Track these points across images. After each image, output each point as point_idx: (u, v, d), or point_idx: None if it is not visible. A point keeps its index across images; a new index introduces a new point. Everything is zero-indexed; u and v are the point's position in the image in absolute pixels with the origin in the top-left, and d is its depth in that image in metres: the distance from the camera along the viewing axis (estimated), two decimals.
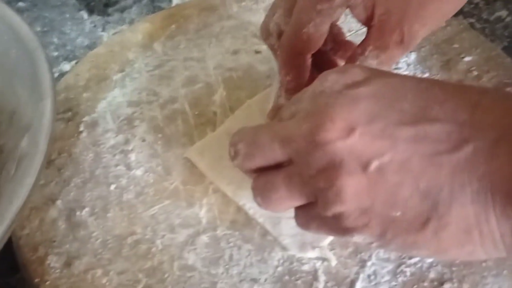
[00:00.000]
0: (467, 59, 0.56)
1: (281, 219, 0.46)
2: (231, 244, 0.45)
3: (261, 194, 0.36)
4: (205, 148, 0.51)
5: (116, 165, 0.51)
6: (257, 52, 0.58)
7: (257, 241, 0.45)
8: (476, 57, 0.56)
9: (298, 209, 0.37)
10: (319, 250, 0.44)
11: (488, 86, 0.53)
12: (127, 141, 0.52)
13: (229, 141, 0.38)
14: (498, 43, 0.62)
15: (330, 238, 0.45)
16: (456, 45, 0.57)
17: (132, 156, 0.51)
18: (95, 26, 0.69)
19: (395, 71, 0.55)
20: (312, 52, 0.43)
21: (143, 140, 0.52)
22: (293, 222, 0.45)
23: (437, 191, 0.30)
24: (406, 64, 0.56)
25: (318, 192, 0.33)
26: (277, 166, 0.35)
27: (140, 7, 0.70)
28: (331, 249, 0.44)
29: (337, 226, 0.33)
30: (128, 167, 0.50)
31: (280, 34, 0.45)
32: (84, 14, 0.70)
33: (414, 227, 0.31)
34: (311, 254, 0.44)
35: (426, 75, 0.55)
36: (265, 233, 0.46)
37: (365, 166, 0.30)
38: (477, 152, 0.29)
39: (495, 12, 0.65)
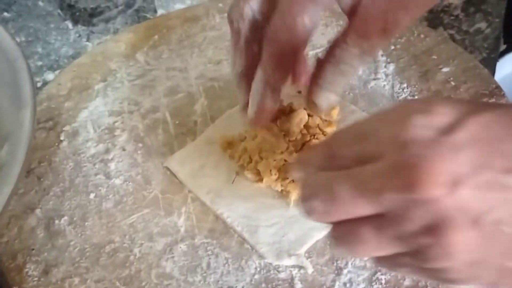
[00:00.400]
0: (445, 70, 0.56)
1: (259, 228, 0.46)
2: (209, 252, 0.46)
3: (346, 245, 0.32)
4: (184, 158, 0.51)
5: (96, 174, 0.51)
6: None
7: (235, 250, 0.46)
8: (453, 68, 0.57)
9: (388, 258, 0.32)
10: (296, 258, 0.45)
11: (465, 96, 0.54)
12: (107, 150, 0.52)
13: (301, 193, 0.33)
14: (477, 54, 0.63)
15: (306, 246, 0.45)
16: (434, 56, 0.58)
17: (112, 165, 0.51)
18: (79, 36, 0.69)
19: (374, 82, 0.56)
20: (302, 49, 0.40)
21: (124, 150, 0.53)
22: (270, 231, 0.46)
23: None
24: (384, 74, 0.56)
25: (421, 247, 0.29)
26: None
27: (125, 18, 0.71)
28: (308, 257, 0.45)
29: (440, 276, 0.31)
30: (108, 176, 0.51)
31: (253, 22, 0.41)
32: (69, 24, 0.70)
33: None
34: (288, 262, 0.45)
35: (405, 85, 0.55)
36: (242, 241, 0.46)
37: (476, 221, 0.28)
38: None
39: (475, 24, 0.66)
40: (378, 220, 0.30)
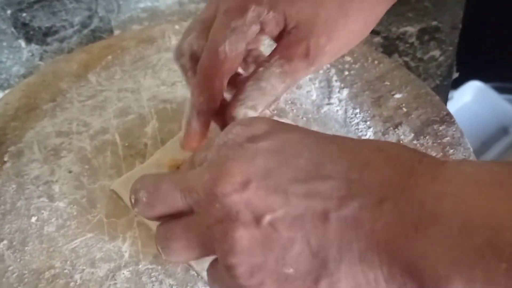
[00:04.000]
0: (397, 96, 0.57)
1: None
2: (153, 279, 0.44)
3: (162, 242, 0.36)
4: (132, 181, 0.49)
5: (39, 197, 0.49)
6: None
7: (180, 276, 0.44)
8: (406, 94, 0.57)
9: (210, 266, 0.36)
10: None
11: (417, 122, 0.54)
12: (52, 172, 0.51)
13: (130, 188, 0.39)
14: (430, 82, 0.64)
15: None
16: (387, 83, 0.58)
17: (56, 188, 0.50)
18: (32, 55, 0.68)
19: (327, 107, 0.56)
20: (230, 74, 0.43)
21: (69, 171, 0.51)
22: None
23: (326, 248, 0.30)
24: (338, 99, 0.57)
25: (215, 243, 0.32)
26: (179, 215, 0.35)
27: (80, 37, 0.70)
28: None
29: (234, 284, 0.33)
30: (51, 199, 0.49)
31: (192, 55, 0.44)
32: (22, 42, 0.69)
33: (307, 285, 0.31)
34: None
35: (357, 111, 0.55)
36: (188, 268, 0.45)
37: (258, 220, 0.31)
38: (363, 209, 0.29)
39: (429, 51, 0.67)
40: (189, 218, 0.34)
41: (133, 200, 0.38)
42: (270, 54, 0.42)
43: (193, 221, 0.34)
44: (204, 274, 0.44)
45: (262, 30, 0.42)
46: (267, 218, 0.31)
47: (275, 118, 0.54)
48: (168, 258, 0.37)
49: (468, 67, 0.75)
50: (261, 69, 0.41)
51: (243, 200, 0.31)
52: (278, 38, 0.42)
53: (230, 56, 0.41)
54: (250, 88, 0.42)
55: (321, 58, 0.42)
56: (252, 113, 0.41)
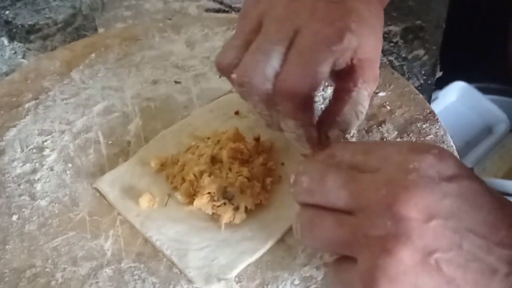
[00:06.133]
0: (381, 94, 0.57)
1: (188, 251, 0.45)
2: (136, 277, 0.44)
3: (305, 224, 0.37)
4: (115, 179, 0.49)
5: (20, 195, 0.49)
6: (177, 82, 0.58)
7: (163, 274, 0.44)
8: (389, 92, 0.57)
9: (332, 264, 0.37)
10: (225, 283, 0.43)
11: (400, 120, 0.54)
12: (34, 170, 0.50)
13: (293, 169, 0.38)
14: (414, 80, 0.64)
15: (237, 270, 0.44)
16: None
17: (38, 186, 0.49)
18: (15, 53, 0.67)
19: None
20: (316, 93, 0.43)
21: (52, 170, 0.51)
22: (200, 254, 0.45)
23: None
24: (322, 98, 0.57)
25: (367, 253, 0.33)
26: (332, 209, 0.36)
27: (64, 35, 0.69)
28: (238, 282, 0.44)
29: None
30: (33, 197, 0.48)
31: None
32: (5, 40, 0.68)
33: None
34: (217, 286, 0.43)
35: None
36: (171, 265, 0.44)
37: (427, 254, 0.32)
38: None
39: (413, 50, 0.68)
40: (345, 217, 0.35)
41: (292, 180, 0.38)
42: (350, 78, 0.43)
43: (349, 221, 0.34)
44: (188, 271, 0.44)
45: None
46: (436, 255, 0.32)
47: None
48: (303, 239, 0.37)
49: (452, 66, 0.76)
50: (354, 93, 0.43)
51: (420, 231, 0.32)
52: (336, 71, 0.43)
53: (324, 78, 0.41)
54: (348, 111, 0.43)
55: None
56: (341, 136, 0.44)
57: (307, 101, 0.42)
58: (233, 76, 0.42)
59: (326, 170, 0.36)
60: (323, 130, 0.43)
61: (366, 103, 0.44)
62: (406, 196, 0.32)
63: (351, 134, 0.54)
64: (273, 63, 0.41)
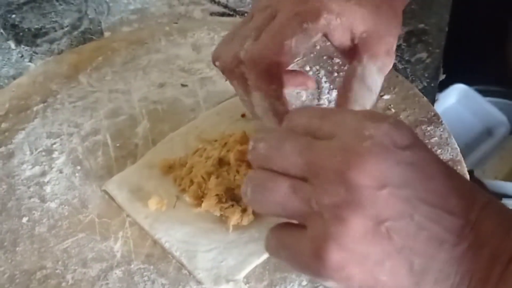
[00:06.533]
0: (386, 97, 0.58)
1: (197, 253, 0.45)
2: (145, 278, 0.44)
3: (256, 187, 0.35)
4: (123, 181, 0.50)
5: (30, 197, 0.49)
6: (183, 85, 0.59)
7: (172, 275, 0.45)
8: (394, 95, 0.58)
9: (274, 230, 0.36)
10: (234, 284, 0.44)
11: (406, 123, 0.55)
12: (43, 173, 0.51)
13: (252, 137, 0.37)
14: (418, 83, 0.65)
15: (245, 272, 0.44)
16: None
17: (48, 188, 0.50)
18: (22, 56, 0.67)
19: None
20: (286, 67, 0.43)
21: (61, 172, 0.51)
22: (208, 256, 0.45)
23: (426, 272, 0.32)
24: (327, 100, 0.57)
25: (318, 220, 0.32)
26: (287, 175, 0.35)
27: (70, 39, 0.70)
28: (246, 283, 0.44)
29: (315, 264, 0.32)
30: (43, 200, 0.49)
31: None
32: (12, 44, 0.69)
33: None
34: (226, 287, 0.44)
35: None
36: (180, 267, 0.45)
37: (378, 222, 0.31)
38: (470, 251, 0.32)
39: (416, 54, 0.68)
40: (299, 182, 0.34)
41: (250, 147, 0.36)
42: (355, 56, 0.44)
43: (303, 187, 0.33)
44: (196, 272, 0.44)
45: (327, 39, 0.44)
46: (387, 224, 0.31)
47: None
48: (251, 204, 0.36)
49: (453, 69, 0.77)
50: (359, 69, 0.43)
51: (373, 198, 0.31)
52: (344, 47, 0.44)
53: (293, 52, 0.42)
54: (357, 86, 0.43)
55: (394, 53, 0.45)
56: None
57: (271, 70, 0.43)
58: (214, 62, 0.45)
59: (283, 136, 0.36)
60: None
61: (376, 77, 0.44)
62: (359, 163, 0.32)
63: None
64: (247, 47, 0.43)
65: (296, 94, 0.58)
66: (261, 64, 0.43)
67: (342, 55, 0.46)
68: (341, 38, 0.44)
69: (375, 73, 0.44)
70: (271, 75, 0.43)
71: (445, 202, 0.32)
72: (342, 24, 0.43)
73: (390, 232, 0.31)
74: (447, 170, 0.34)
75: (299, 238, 0.34)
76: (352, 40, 0.44)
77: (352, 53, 0.45)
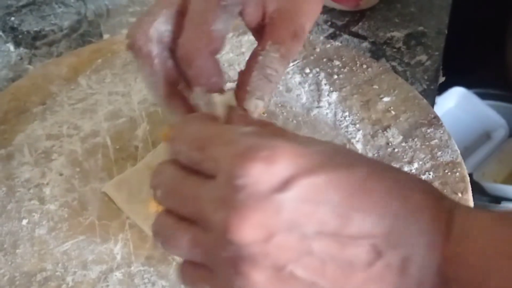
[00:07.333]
0: (385, 99, 0.58)
1: None
2: (145, 281, 0.44)
3: (160, 235, 0.35)
4: (123, 183, 0.50)
5: (30, 199, 0.49)
6: None
7: (172, 277, 0.44)
8: (394, 98, 0.58)
9: (187, 266, 0.35)
10: None
11: (405, 125, 0.55)
12: (43, 175, 0.51)
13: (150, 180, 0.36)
14: (418, 86, 0.65)
15: None
16: (375, 86, 0.59)
17: (47, 190, 0.50)
18: (21, 59, 0.67)
19: (317, 110, 0.56)
20: (216, 55, 0.42)
21: (60, 174, 0.51)
22: None
23: None
24: (327, 103, 0.57)
25: (225, 271, 0.31)
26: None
27: (69, 41, 0.70)
28: None
29: None
30: (42, 202, 0.49)
31: (161, 41, 0.42)
32: (11, 46, 0.68)
33: None
34: None
35: (346, 114, 0.56)
36: None
37: (278, 269, 0.30)
38: (388, 268, 0.30)
39: (415, 56, 0.68)
40: (197, 232, 0.32)
41: (151, 187, 0.36)
42: (261, 40, 0.42)
43: (202, 240, 0.32)
44: None
45: (240, 16, 0.42)
46: (289, 268, 0.30)
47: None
48: (163, 248, 0.35)
49: (451, 72, 0.77)
50: (260, 57, 0.41)
51: (264, 251, 0.30)
52: (256, 24, 0.43)
53: (221, 36, 0.41)
54: (256, 77, 0.41)
55: (305, 35, 0.43)
56: (261, 103, 0.41)
57: (209, 63, 0.41)
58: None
59: (175, 180, 0.34)
60: (238, 104, 0.42)
61: (277, 65, 0.41)
62: (239, 221, 0.29)
63: (357, 139, 0.54)
64: (159, 26, 0.42)
65: (296, 97, 0.58)
66: (197, 58, 0.41)
67: (254, 35, 0.44)
68: (253, 14, 0.42)
69: (276, 62, 0.41)
70: (209, 67, 0.41)
71: (346, 226, 0.30)
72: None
73: (294, 273, 0.30)
74: (344, 187, 0.31)
75: (210, 280, 0.33)
76: (263, 18, 0.42)
77: (260, 35, 0.43)
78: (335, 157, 0.32)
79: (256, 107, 0.41)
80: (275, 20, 0.42)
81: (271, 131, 0.35)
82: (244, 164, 0.30)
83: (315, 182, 0.30)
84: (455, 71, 0.82)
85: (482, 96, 1.12)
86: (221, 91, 0.42)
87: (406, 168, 0.52)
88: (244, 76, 0.42)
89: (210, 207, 0.31)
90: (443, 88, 1.06)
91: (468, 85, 1.10)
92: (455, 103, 1.13)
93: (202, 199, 0.32)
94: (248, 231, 0.29)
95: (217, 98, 0.42)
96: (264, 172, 0.30)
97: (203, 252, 0.32)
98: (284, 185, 0.30)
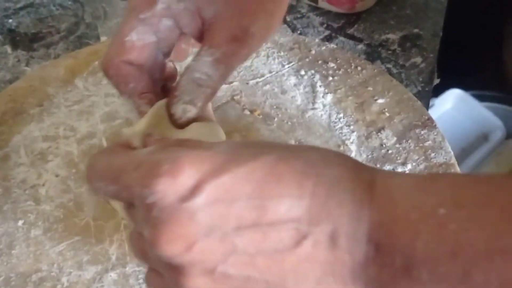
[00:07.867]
0: (380, 101, 0.58)
1: None
2: (140, 281, 0.45)
3: (131, 246, 0.36)
4: None
5: (26, 200, 0.49)
6: None
7: None
8: (388, 99, 0.58)
9: (150, 273, 0.36)
10: None
11: (399, 127, 0.56)
12: (39, 176, 0.51)
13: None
14: (412, 87, 0.65)
15: None
16: (370, 88, 0.59)
17: (43, 191, 0.50)
18: (18, 61, 0.68)
19: (312, 112, 0.57)
20: (139, 62, 0.42)
21: (56, 175, 0.51)
22: None
23: (282, 282, 0.31)
24: (322, 104, 0.58)
25: (171, 283, 0.32)
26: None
27: (67, 43, 0.70)
28: None
29: None
30: (38, 202, 0.49)
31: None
32: (8, 48, 0.69)
33: None
34: None
35: (341, 115, 0.57)
36: None
37: (209, 273, 0.31)
38: (316, 245, 0.30)
39: (410, 58, 0.69)
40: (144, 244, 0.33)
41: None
42: (200, 47, 0.42)
43: (147, 251, 0.33)
44: None
45: (179, 29, 0.43)
46: (219, 269, 0.30)
47: (261, 122, 0.55)
48: None
49: (449, 74, 0.77)
50: (192, 62, 0.41)
51: (190, 260, 0.30)
52: (198, 33, 0.43)
53: (137, 46, 0.42)
54: (184, 82, 0.41)
55: (249, 40, 0.42)
56: (191, 108, 0.41)
57: (123, 71, 0.42)
58: None
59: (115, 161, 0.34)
60: (168, 112, 0.41)
61: (208, 69, 0.41)
62: (158, 239, 0.30)
63: (351, 140, 0.55)
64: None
65: (291, 98, 0.58)
66: (112, 68, 0.42)
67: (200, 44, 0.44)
68: (190, 24, 0.42)
69: (207, 66, 0.41)
70: (125, 75, 0.42)
71: (261, 215, 0.30)
72: (187, 8, 0.42)
73: (226, 273, 0.31)
74: (255, 174, 0.31)
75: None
76: (201, 28, 0.42)
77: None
78: (241, 151, 0.32)
79: (185, 112, 0.41)
80: (212, 26, 0.42)
81: (177, 143, 0.34)
82: (149, 183, 0.30)
83: (222, 181, 0.30)
84: (452, 73, 0.82)
85: (479, 98, 1.12)
86: (141, 97, 0.42)
87: (399, 169, 0.52)
88: (176, 83, 0.42)
89: (140, 227, 0.32)
90: (440, 90, 1.06)
91: (465, 87, 1.11)
92: (452, 105, 1.13)
93: (136, 221, 0.33)
94: (168, 245, 0.30)
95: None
96: (169, 185, 0.30)
97: (150, 262, 0.34)
98: (191, 192, 0.30)
